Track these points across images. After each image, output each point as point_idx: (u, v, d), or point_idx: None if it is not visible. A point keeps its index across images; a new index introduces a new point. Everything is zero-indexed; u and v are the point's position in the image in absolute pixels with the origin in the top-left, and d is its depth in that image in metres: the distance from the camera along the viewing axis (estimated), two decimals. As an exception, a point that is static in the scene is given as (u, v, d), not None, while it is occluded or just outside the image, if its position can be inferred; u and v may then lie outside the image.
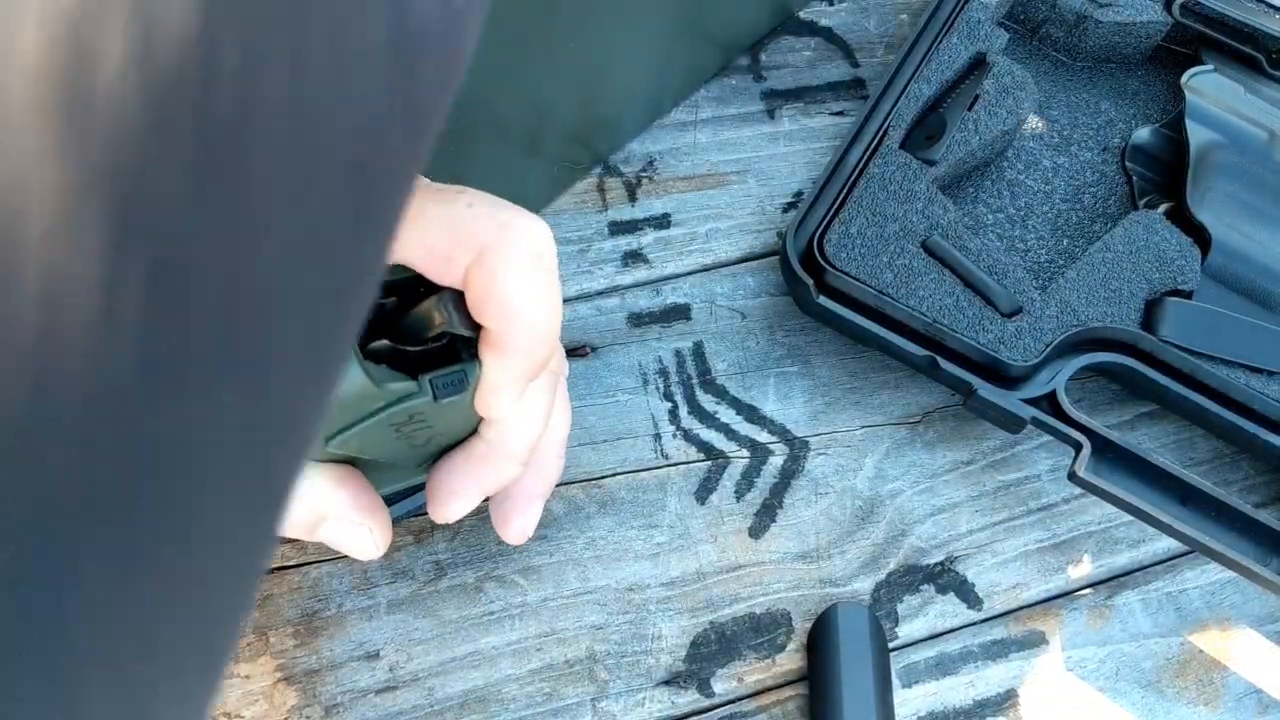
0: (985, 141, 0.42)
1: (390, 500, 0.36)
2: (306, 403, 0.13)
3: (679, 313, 0.42)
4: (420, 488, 0.36)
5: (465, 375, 0.27)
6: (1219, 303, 0.39)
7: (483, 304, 0.25)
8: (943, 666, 0.37)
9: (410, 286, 0.27)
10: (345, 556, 0.37)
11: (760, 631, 0.37)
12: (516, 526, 0.33)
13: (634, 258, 0.43)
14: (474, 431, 0.30)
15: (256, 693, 0.35)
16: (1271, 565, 0.36)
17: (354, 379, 0.25)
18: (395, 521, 0.37)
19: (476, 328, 0.26)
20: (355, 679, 0.36)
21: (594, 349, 0.42)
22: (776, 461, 0.40)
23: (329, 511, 0.28)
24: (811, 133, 0.46)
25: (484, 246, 0.25)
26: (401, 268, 0.27)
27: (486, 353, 0.26)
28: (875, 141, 0.41)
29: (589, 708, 0.36)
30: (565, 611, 0.37)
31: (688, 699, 0.36)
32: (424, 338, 0.26)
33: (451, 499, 0.30)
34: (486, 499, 0.32)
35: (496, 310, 0.25)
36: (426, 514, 0.38)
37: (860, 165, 0.41)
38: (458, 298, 0.26)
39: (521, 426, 0.29)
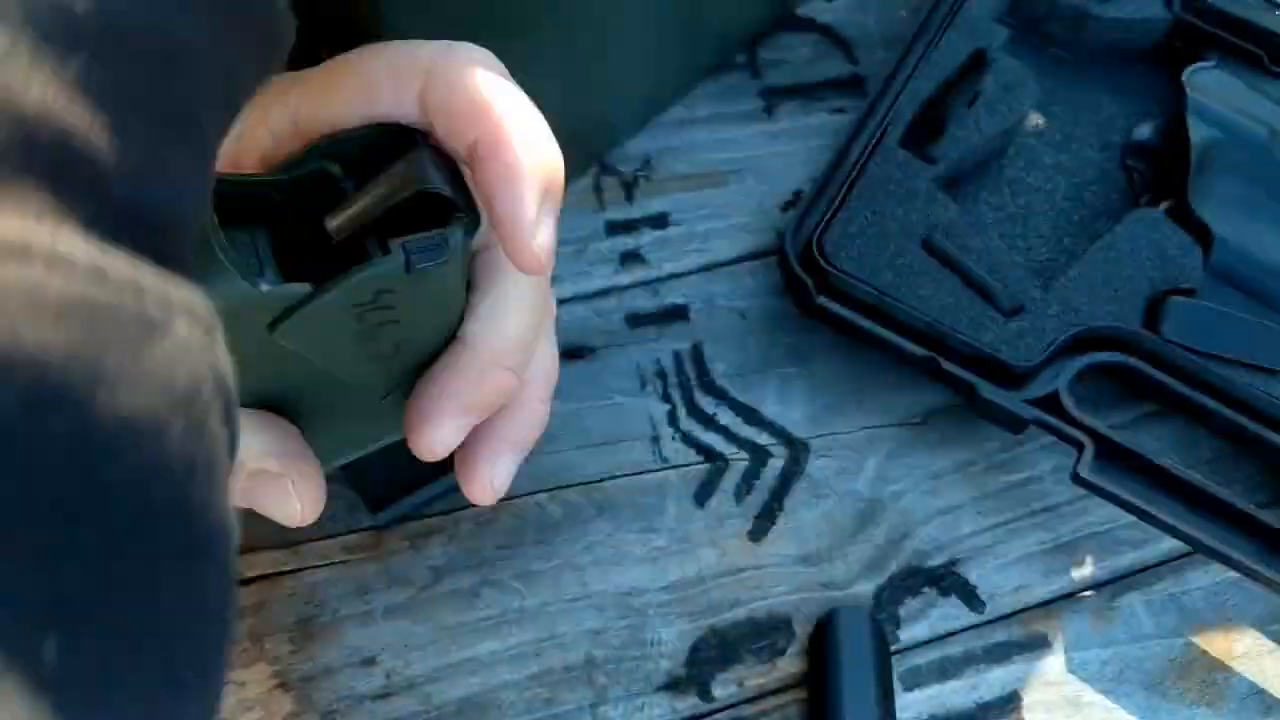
0: (985, 139, 0.41)
1: (389, 501, 0.35)
2: None
3: (677, 313, 0.42)
4: (416, 487, 0.35)
5: (445, 240, 0.22)
6: (1222, 301, 0.39)
7: (449, 115, 0.22)
8: (945, 669, 0.37)
9: (366, 154, 0.23)
10: (341, 562, 0.37)
11: (760, 635, 0.37)
12: (483, 475, 0.27)
13: (632, 258, 0.43)
14: (453, 339, 0.26)
15: (252, 700, 0.35)
16: (1275, 565, 0.36)
17: (230, 289, 0.20)
18: (394, 523, 0.37)
19: (461, 195, 0.23)
20: (352, 685, 0.35)
21: (592, 350, 0.41)
22: (776, 464, 0.40)
23: (242, 458, 0.23)
24: (810, 130, 0.46)
25: (430, 65, 0.23)
26: (349, 133, 0.23)
27: (485, 178, 0.22)
28: (875, 139, 0.41)
29: (588, 713, 0.36)
30: (563, 616, 0.37)
31: (687, 704, 0.36)
32: (391, 203, 0.22)
33: (430, 420, 0.25)
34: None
35: (467, 112, 0.22)
36: (425, 515, 0.37)
37: (860, 163, 0.40)
38: (436, 157, 0.23)
39: (506, 317, 0.25)
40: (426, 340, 0.25)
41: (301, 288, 0.22)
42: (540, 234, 0.23)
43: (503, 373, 0.25)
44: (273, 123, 0.23)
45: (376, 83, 0.23)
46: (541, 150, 0.23)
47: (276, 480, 0.24)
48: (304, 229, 0.23)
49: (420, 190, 0.22)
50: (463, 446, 0.27)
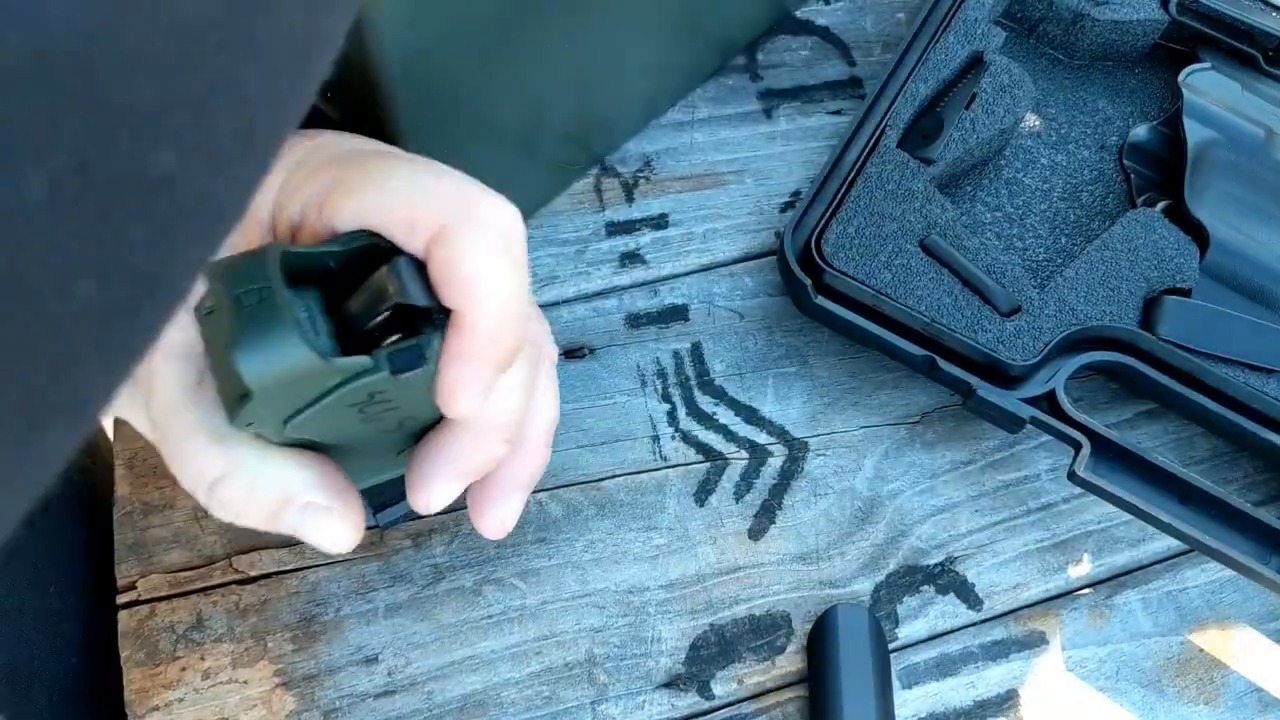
0: (983, 140, 0.41)
1: (388, 504, 0.35)
2: None
3: (677, 313, 0.42)
4: None
5: (421, 348, 0.25)
6: (1218, 301, 0.39)
7: (445, 280, 0.24)
8: (943, 667, 0.37)
9: (364, 261, 0.25)
10: (343, 561, 0.37)
11: (760, 633, 0.37)
12: (493, 517, 0.30)
13: (631, 258, 0.43)
14: None
15: (254, 698, 0.35)
16: (1271, 563, 0.36)
17: (295, 351, 0.23)
18: (392, 524, 0.37)
19: (432, 298, 0.25)
20: (354, 683, 0.36)
21: (592, 350, 0.41)
22: (775, 462, 0.40)
23: (292, 494, 0.26)
24: (809, 132, 0.46)
25: (449, 219, 0.24)
26: (354, 236, 0.25)
27: (448, 339, 0.25)
28: (873, 141, 0.41)
29: (588, 710, 0.36)
30: (564, 614, 0.37)
31: (687, 701, 0.36)
32: (379, 313, 0.24)
33: (429, 484, 0.28)
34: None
35: (459, 286, 0.24)
36: (424, 517, 0.38)
37: (858, 165, 0.41)
38: (413, 266, 0.25)
39: (501, 397, 0.27)
40: (428, 414, 0.27)
41: (362, 360, 0.24)
42: (473, 400, 0.25)
43: (496, 444, 0.27)
44: (304, 199, 0.26)
45: (398, 211, 0.24)
46: (505, 339, 0.25)
47: (325, 512, 0.27)
48: (345, 295, 0.25)
49: (399, 304, 0.24)
50: (473, 489, 0.30)
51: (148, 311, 0.13)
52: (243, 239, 0.27)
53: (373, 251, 0.25)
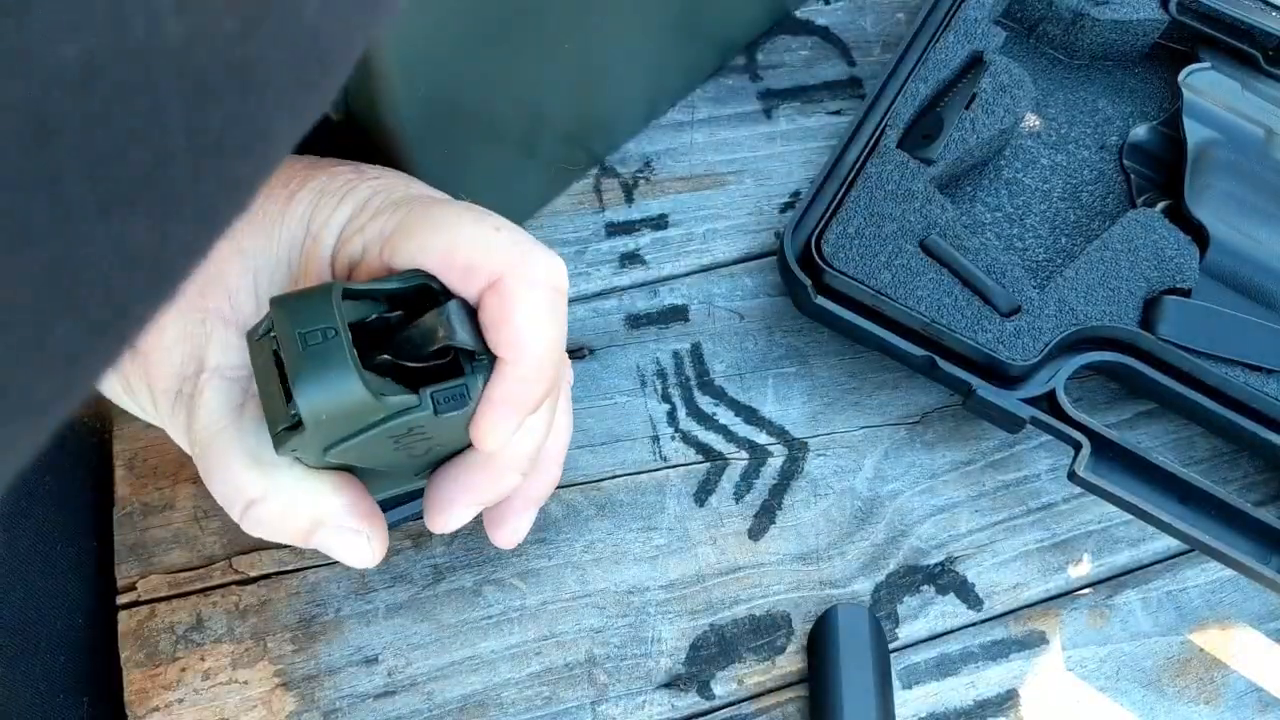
0: (983, 140, 0.41)
1: (387, 505, 0.36)
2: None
3: (677, 314, 0.42)
4: (419, 493, 0.36)
5: (467, 389, 0.26)
6: (1217, 301, 0.39)
7: (496, 327, 0.26)
8: (943, 667, 0.37)
9: (415, 300, 0.27)
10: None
11: (760, 633, 0.37)
12: (509, 530, 0.32)
13: (631, 259, 0.43)
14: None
15: (255, 698, 0.35)
16: (1271, 563, 0.36)
17: (353, 391, 0.24)
18: (393, 526, 0.37)
19: (479, 342, 0.26)
20: (354, 684, 0.36)
21: (592, 351, 0.41)
22: (775, 463, 0.40)
23: (326, 518, 0.28)
24: (809, 132, 0.46)
25: (506, 269, 0.26)
26: (409, 275, 0.26)
27: (493, 383, 0.26)
28: (873, 141, 0.41)
29: (589, 711, 0.36)
30: (564, 615, 0.37)
31: (687, 702, 0.36)
32: (426, 352, 0.26)
33: (448, 509, 0.30)
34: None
35: (505, 336, 0.26)
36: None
37: (858, 165, 0.41)
38: (463, 311, 0.26)
39: (523, 437, 0.29)
40: (454, 444, 0.29)
41: (410, 399, 0.26)
42: (503, 437, 0.27)
43: (514, 475, 0.29)
44: (366, 237, 0.27)
45: (457, 257, 0.26)
46: (542, 386, 0.27)
47: (356, 535, 0.28)
48: (391, 329, 0.27)
49: (447, 344, 0.26)
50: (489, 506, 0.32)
51: (138, 295, 0.14)
52: (303, 272, 0.28)
53: (424, 292, 0.26)
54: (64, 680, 0.36)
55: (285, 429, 0.25)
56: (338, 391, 0.24)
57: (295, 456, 0.27)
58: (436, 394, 0.26)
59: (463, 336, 0.26)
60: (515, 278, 0.26)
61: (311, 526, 0.28)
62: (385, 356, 0.26)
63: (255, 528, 0.28)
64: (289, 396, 0.24)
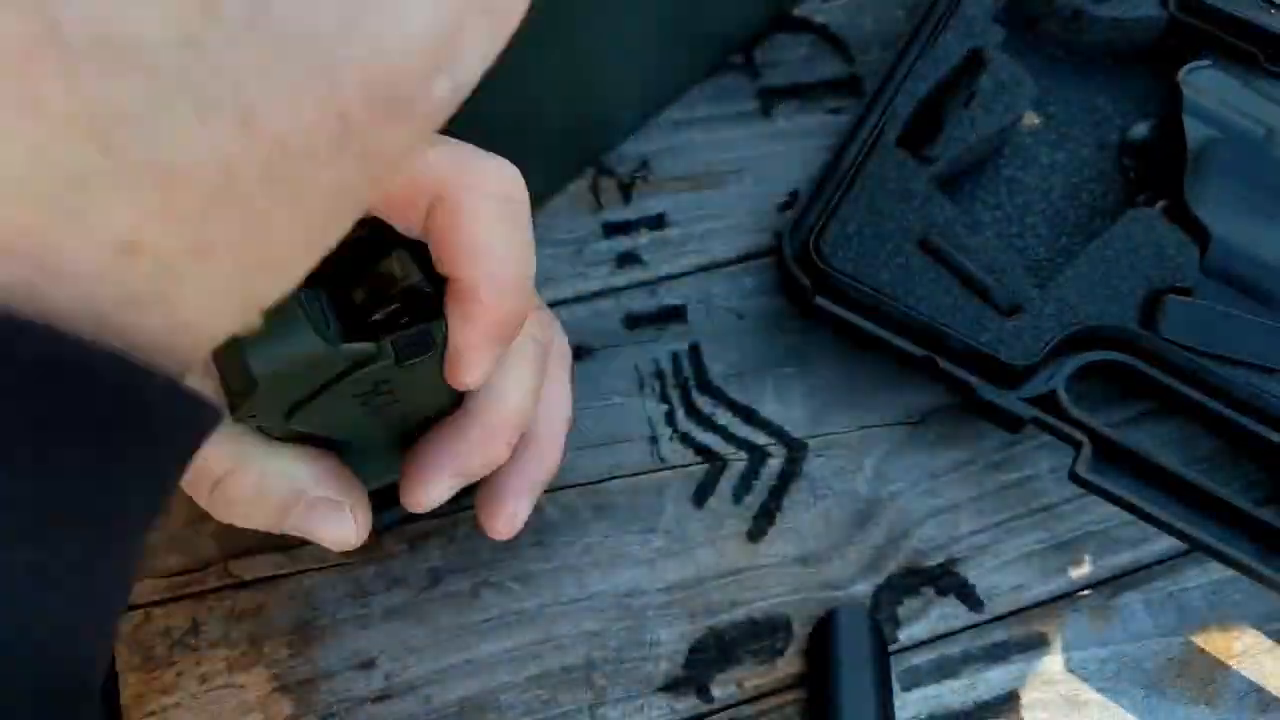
0: (982, 138, 0.41)
1: (379, 505, 0.35)
2: None
3: (675, 314, 0.42)
4: None
5: (430, 333, 0.24)
6: (1218, 300, 0.39)
7: (444, 248, 0.23)
8: (943, 669, 0.37)
9: (370, 246, 0.25)
10: (339, 565, 0.37)
11: (759, 636, 0.37)
12: (504, 516, 0.29)
13: (629, 259, 0.43)
14: (456, 406, 0.28)
15: (251, 703, 0.35)
16: (1273, 564, 0.36)
17: (305, 341, 0.23)
18: (389, 528, 0.37)
19: (440, 282, 0.24)
20: (350, 688, 0.35)
21: (589, 351, 0.41)
22: (775, 464, 0.40)
23: (302, 487, 0.25)
24: (807, 131, 0.46)
25: (444, 187, 0.23)
26: (360, 226, 0.25)
27: (452, 309, 0.24)
28: (872, 139, 0.41)
29: (587, 714, 0.36)
30: (562, 618, 0.37)
31: (686, 705, 0.36)
32: (385, 297, 0.24)
33: (424, 478, 0.27)
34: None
35: (459, 254, 0.23)
36: (422, 518, 0.37)
37: (857, 163, 0.40)
38: (419, 251, 0.24)
39: (506, 395, 0.26)
40: (431, 408, 0.27)
41: (368, 346, 0.24)
42: (480, 370, 0.24)
43: (498, 445, 0.27)
44: None
45: (391, 198, 0.23)
46: (507, 304, 0.24)
47: (335, 506, 0.26)
48: (349, 286, 0.25)
49: (405, 289, 0.24)
50: (485, 485, 0.29)
51: None
52: None
53: (374, 244, 0.25)
54: None
55: (240, 390, 0.24)
56: (289, 344, 0.23)
57: (257, 425, 0.25)
58: (397, 340, 0.24)
59: (418, 278, 0.24)
60: (458, 188, 0.23)
61: (287, 503, 0.26)
62: (340, 314, 0.24)
63: (227, 509, 0.25)
64: (243, 359, 0.23)
